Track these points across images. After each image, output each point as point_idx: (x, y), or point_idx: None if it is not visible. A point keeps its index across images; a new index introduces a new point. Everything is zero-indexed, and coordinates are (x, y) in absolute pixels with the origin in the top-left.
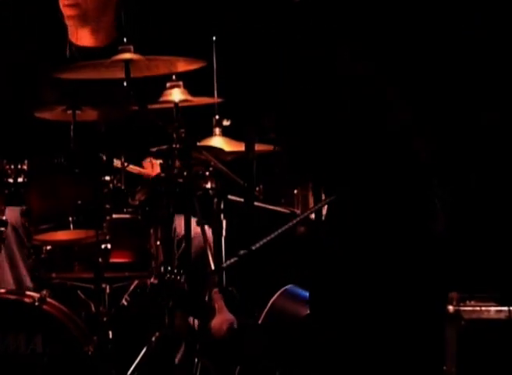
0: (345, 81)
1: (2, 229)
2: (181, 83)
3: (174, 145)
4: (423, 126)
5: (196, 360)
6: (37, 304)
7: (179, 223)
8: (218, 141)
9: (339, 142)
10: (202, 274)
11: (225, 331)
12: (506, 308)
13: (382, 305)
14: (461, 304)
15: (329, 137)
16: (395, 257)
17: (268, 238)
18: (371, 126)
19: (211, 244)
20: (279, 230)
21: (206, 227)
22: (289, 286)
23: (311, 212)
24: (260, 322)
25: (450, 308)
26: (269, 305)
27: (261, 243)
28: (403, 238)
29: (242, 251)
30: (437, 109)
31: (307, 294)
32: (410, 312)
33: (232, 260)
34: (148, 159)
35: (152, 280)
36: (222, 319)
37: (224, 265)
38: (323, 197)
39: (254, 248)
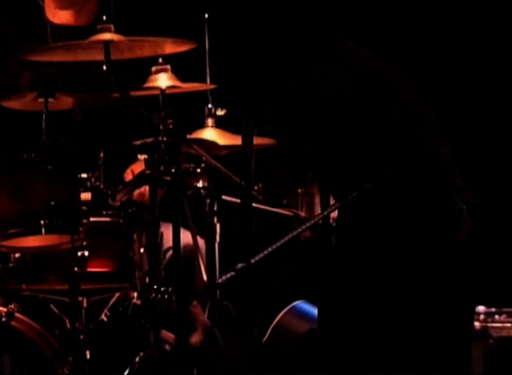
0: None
1: None
2: (168, 67)
3: (160, 138)
4: (436, 121)
5: None
6: (4, 320)
7: (167, 233)
8: (211, 134)
9: (346, 138)
10: (192, 289)
11: (201, 336)
12: None
13: (399, 320)
14: (489, 320)
15: (337, 134)
16: (414, 266)
17: (270, 249)
18: (377, 120)
19: (204, 255)
20: (284, 240)
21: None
22: (298, 302)
23: (321, 218)
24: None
25: (477, 324)
26: (273, 325)
27: (262, 255)
28: (423, 245)
29: (240, 265)
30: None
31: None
32: (432, 327)
33: (228, 275)
34: (129, 170)
35: (135, 300)
36: (200, 328)
37: (219, 281)
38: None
39: (253, 261)
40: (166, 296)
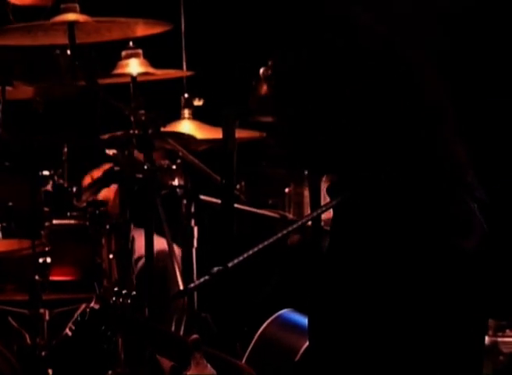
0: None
1: None
2: (140, 51)
3: (132, 131)
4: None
5: None
6: None
7: (138, 240)
8: (187, 126)
9: (353, 128)
10: (165, 297)
11: None
12: None
13: (399, 332)
14: (499, 334)
15: (342, 123)
16: (416, 275)
17: (251, 252)
18: (381, 111)
19: (179, 262)
20: (265, 243)
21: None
22: (284, 311)
23: (310, 219)
24: (245, 358)
25: (486, 339)
26: (257, 336)
27: (241, 258)
28: (427, 253)
29: (215, 269)
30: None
31: (307, 321)
32: (434, 343)
33: (202, 280)
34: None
35: (93, 304)
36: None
37: (192, 285)
38: (323, 198)
39: (230, 264)
40: (129, 300)
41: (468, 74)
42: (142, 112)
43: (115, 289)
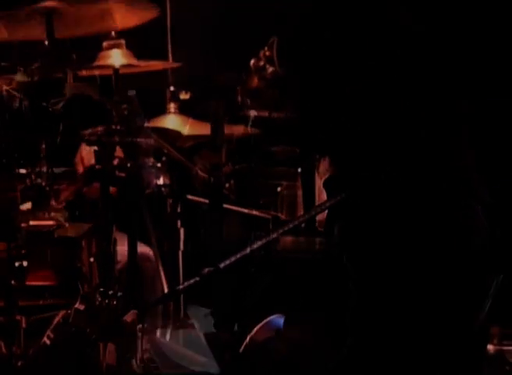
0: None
1: None
2: (123, 42)
3: (114, 127)
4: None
5: None
6: None
7: (121, 247)
8: (173, 121)
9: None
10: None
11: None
12: None
13: (402, 334)
14: (505, 342)
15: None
16: (419, 277)
17: (243, 253)
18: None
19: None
20: (259, 243)
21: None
22: (275, 316)
23: (309, 218)
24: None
25: (491, 347)
26: (247, 341)
27: (233, 259)
28: (430, 256)
29: (206, 269)
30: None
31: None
32: (440, 350)
33: (192, 281)
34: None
35: (77, 305)
36: None
37: (181, 287)
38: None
39: (222, 265)
40: (115, 302)
41: (468, 74)
42: (124, 106)
43: (101, 289)
